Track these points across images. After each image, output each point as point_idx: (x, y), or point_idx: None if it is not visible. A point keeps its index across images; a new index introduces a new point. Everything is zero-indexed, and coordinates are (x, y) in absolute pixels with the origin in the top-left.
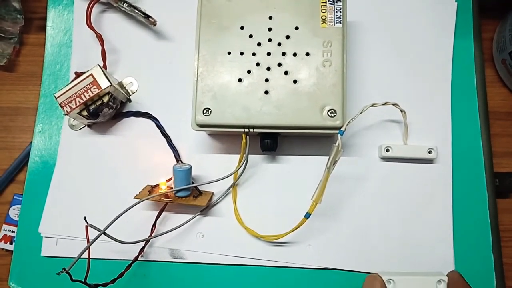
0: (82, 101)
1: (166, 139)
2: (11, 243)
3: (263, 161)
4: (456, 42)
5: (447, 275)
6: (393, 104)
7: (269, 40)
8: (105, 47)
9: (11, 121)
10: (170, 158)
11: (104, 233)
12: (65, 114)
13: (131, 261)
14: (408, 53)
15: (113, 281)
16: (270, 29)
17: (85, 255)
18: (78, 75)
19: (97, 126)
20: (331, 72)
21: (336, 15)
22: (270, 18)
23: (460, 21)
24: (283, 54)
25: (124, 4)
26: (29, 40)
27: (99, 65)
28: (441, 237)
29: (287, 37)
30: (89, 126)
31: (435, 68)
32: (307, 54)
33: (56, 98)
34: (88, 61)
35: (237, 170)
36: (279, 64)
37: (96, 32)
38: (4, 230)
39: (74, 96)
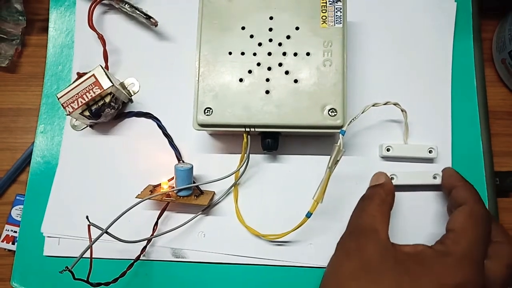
0: (84, 102)
1: (168, 139)
2: (13, 243)
3: (264, 160)
4: (455, 42)
5: (442, 171)
6: (394, 104)
7: (270, 40)
8: (107, 48)
9: (13, 122)
10: (171, 158)
11: (106, 232)
12: (67, 114)
13: (133, 261)
14: (408, 53)
15: (115, 280)
16: (271, 29)
17: (87, 254)
18: (80, 75)
19: (99, 126)
20: (331, 72)
21: (336, 15)
22: (271, 18)
23: (459, 21)
24: (284, 54)
25: (126, 5)
26: (31, 41)
27: (101, 66)
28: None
29: (288, 37)
30: (91, 126)
31: (435, 68)
32: (308, 54)
33: (58, 99)
34: (90, 62)
35: (238, 170)
36: (280, 64)
37: (98, 33)
38: (6, 230)
39: (76, 96)
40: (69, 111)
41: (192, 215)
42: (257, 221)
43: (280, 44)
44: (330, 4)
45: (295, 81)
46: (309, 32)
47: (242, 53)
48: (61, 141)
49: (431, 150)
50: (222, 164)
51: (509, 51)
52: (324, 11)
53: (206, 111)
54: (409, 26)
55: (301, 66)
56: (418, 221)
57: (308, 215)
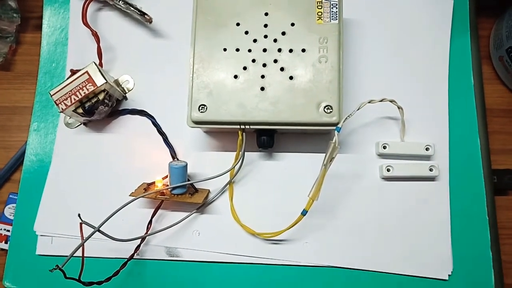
0: (77, 99)
1: (162, 137)
2: (6, 242)
3: (260, 158)
4: (453, 39)
5: None
6: (390, 101)
7: (265, 36)
8: (101, 45)
9: (8, 120)
10: (166, 156)
11: (99, 231)
12: (60, 112)
13: (126, 259)
14: (405, 50)
15: (108, 279)
16: (266, 26)
17: (79, 253)
18: (73, 72)
19: (93, 124)
20: (327, 69)
21: (332, 11)
22: (266, 14)
23: (456, 18)
24: (279, 50)
25: (120, 2)
26: (25, 39)
27: (94, 63)
28: (439, 235)
29: (283, 33)
30: (85, 124)
31: (432, 65)
32: (303, 50)
33: (51, 96)
34: (84, 59)
35: (234, 167)
36: (275, 61)
37: (92, 30)
38: None
39: (70, 93)
40: (62, 108)
41: (186, 214)
42: (252, 220)
43: (275, 41)
44: (325, 0)
45: (291, 77)
46: (305, 28)
47: (237, 50)
48: (54, 139)
49: (428, 148)
50: (217, 162)
51: (506, 48)
52: (320, 7)
53: (200, 108)
54: (406, 23)
55: (296, 62)
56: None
57: (304, 212)
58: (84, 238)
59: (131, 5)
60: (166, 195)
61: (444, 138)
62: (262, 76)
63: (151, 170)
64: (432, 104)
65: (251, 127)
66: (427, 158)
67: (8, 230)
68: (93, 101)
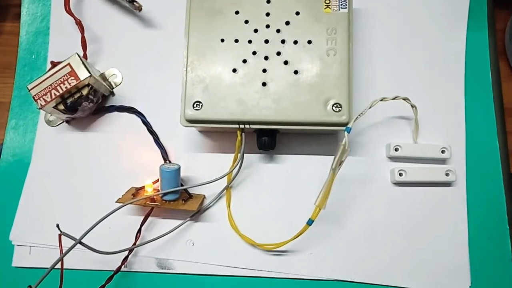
0: (58, 94)
1: (153, 137)
2: None
3: (260, 160)
4: (469, 33)
5: None
6: (404, 99)
7: (267, 26)
8: (85, 35)
9: None
10: (157, 158)
11: (80, 243)
12: (39, 108)
13: (113, 272)
14: (418, 44)
15: None
16: (268, 14)
17: (59, 265)
18: (54, 64)
19: (77, 122)
20: (335, 62)
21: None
22: (268, 1)
23: (473, 10)
24: (283, 42)
25: None
26: (5, 28)
27: (77, 54)
28: (456, 245)
29: (287, 23)
30: (67, 121)
31: (447, 61)
32: (309, 42)
33: (29, 90)
34: (67, 50)
35: (232, 171)
36: (278, 53)
37: (75, 19)
38: None
39: (49, 88)
40: (41, 104)
41: (179, 222)
42: (252, 228)
43: (278, 31)
44: None
45: (295, 72)
46: (311, 17)
47: (236, 41)
48: (34, 138)
49: (444, 150)
50: (213, 165)
51: None
52: None
53: (195, 105)
54: (419, 15)
55: (301, 55)
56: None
57: (310, 222)
58: (64, 252)
59: None
60: (157, 202)
61: (461, 140)
62: (264, 70)
63: (140, 173)
64: (448, 103)
65: (251, 126)
66: (443, 161)
67: None
68: (75, 97)
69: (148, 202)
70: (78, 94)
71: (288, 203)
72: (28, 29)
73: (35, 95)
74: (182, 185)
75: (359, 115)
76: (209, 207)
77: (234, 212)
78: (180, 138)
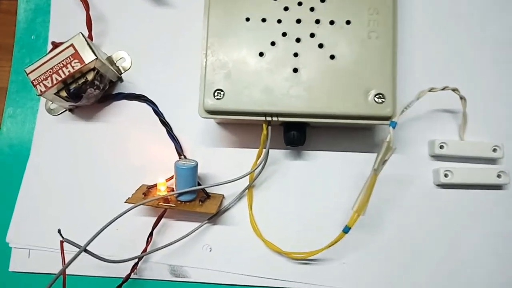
0: (60, 79)
1: (166, 128)
2: None
3: (286, 157)
4: None
5: None
6: (453, 90)
7: (299, 3)
8: (90, 13)
9: None
10: (170, 152)
11: (85, 251)
12: (38, 95)
13: (122, 280)
14: (468, 27)
15: None
16: None
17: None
18: (55, 45)
19: (81, 110)
20: (378, 46)
21: None
22: None
23: None
24: (317, 22)
25: None
26: (1, 6)
27: (82, 34)
28: (507, 256)
29: (323, 0)
30: (70, 110)
31: (498, 47)
32: (348, 22)
33: (27, 74)
34: (70, 30)
35: (256, 169)
36: (312, 35)
37: None
38: None
39: (50, 72)
40: (40, 91)
41: (195, 224)
42: (276, 233)
43: (312, 9)
44: None
45: (331, 57)
46: None
47: (263, 20)
48: (33, 128)
49: (495, 149)
50: (233, 161)
51: None
52: None
53: (216, 94)
54: None
55: (339, 38)
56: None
57: (346, 230)
58: (67, 262)
59: None
60: (171, 203)
61: None
62: (295, 54)
63: (151, 169)
64: (501, 95)
65: (279, 119)
66: (494, 161)
67: None
68: (80, 82)
69: (161, 203)
70: (83, 80)
71: (317, 206)
72: (26, 6)
73: (34, 80)
74: (199, 184)
75: (406, 108)
76: (229, 208)
77: (257, 214)
78: (197, 131)
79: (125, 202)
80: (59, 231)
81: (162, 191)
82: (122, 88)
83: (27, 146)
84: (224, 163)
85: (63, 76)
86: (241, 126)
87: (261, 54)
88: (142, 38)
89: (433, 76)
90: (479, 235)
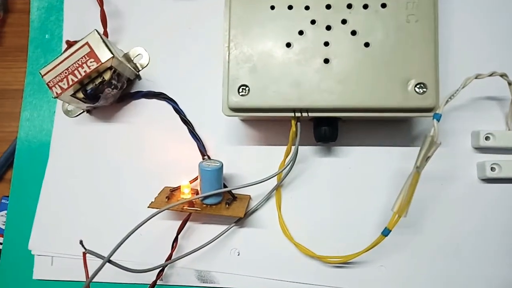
0: (76, 80)
1: (188, 127)
2: None
3: (316, 153)
4: None
5: None
6: (501, 75)
7: None
8: (105, 8)
9: None
10: (192, 152)
11: (109, 261)
12: (54, 97)
13: (148, 286)
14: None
15: None
16: None
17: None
18: (70, 44)
19: (99, 111)
20: (418, 31)
21: None
22: None
23: None
24: (349, 6)
25: None
26: (15, 6)
27: (97, 31)
28: None
29: None
30: (88, 111)
31: None
32: (383, 5)
33: (42, 76)
34: (85, 27)
35: (285, 169)
36: (344, 21)
37: None
38: None
39: (66, 72)
40: (56, 93)
41: (222, 227)
42: (308, 235)
43: None
44: None
45: (366, 44)
46: None
47: (290, 7)
48: (51, 131)
49: None
50: (258, 160)
51: None
52: None
53: (241, 90)
54: None
55: (373, 23)
56: None
57: (386, 232)
58: (91, 273)
59: None
60: (197, 206)
61: None
62: (326, 44)
63: (174, 170)
64: None
65: (310, 114)
66: None
67: (1, 243)
68: (97, 83)
69: (186, 207)
70: (100, 80)
71: (351, 206)
72: (39, 4)
73: (49, 82)
74: (225, 186)
75: (450, 98)
76: (256, 210)
77: (286, 216)
78: (220, 128)
79: (148, 207)
80: (81, 242)
81: (186, 193)
82: (141, 86)
83: (45, 149)
84: (250, 162)
85: (79, 77)
86: (267, 122)
87: (288, 44)
88: (160, 33)
89: (475, 61)
90: None
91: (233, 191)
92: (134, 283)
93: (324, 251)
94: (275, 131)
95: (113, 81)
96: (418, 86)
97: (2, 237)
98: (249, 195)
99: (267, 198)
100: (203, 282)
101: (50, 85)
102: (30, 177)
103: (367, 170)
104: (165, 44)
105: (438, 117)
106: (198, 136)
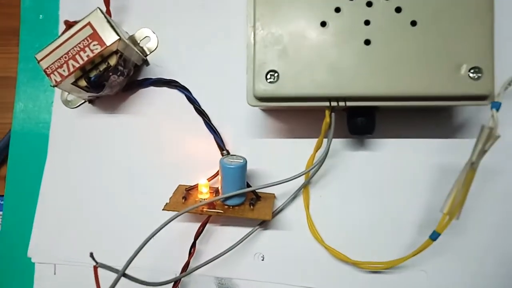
0: (77, 66)
1: (203, 118)
2: None
3: (348, 147)
4: None
5: None
6: None
7: None
8: None
9: None
10: (209, 146)
11: (124, 275)
12: (53, 86)
13: None
14: None
15: None
16: None
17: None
18: (69, 25)
19: (102, 101)
20: (471, 9)
21: None
22: None
23: None
24: None
25: None
26: None
27: (100, 9)
28: None
29: None
30: (90, 101)
31: None
32: None
33: (38, 62)
34: (85, 6)
35: (316, 166)
36: None
37: None
38: None
39: (66, 57)
40: (55, 81)
41: (244, 230)
42: (340, 238)
43: None
44: None
45: (413, 23)
46: None
47: None
48: (49, 124)
49: None
50: (283, 154)
51: None
52: None
53: (269, 77)
54: None
55: None
56: None
57: (434, 236)
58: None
59: None
60: (218, 208)
61: None
62: (366, 22)
63: (188, 167)
64: None
65: (347, 104)
66: None
67: None
68: (101, 69)
69: (206, 209)
70: (104, 65)
71: (388, 205)
72: None
73: (47, 69)
74: (248, 185)
75: (510, 84)
76: (282, 210)
77: (315, 216)
78: (239, 120)
79: (163, 209)
80: (91, 255)
81: (204, 193)
82: (149, 72)
83: (43, 144)
84: (274, 157)
85: (81, 62)
86: (293, 112)
87: (323, 24)
88: (169, 11)
89: None
90: None
91: (257, 191)
92: None
93: (358, 255)
94: (300, 122)
95: (119, 67)
96: (472, 70)
97: None
98: (274, 194)
99: (294, 196)
100: None
101: (48, 72)
102: (27, 174)
103: (405, 164)
104: (176, 24)
105: (497, 106)
106: (215, 128)
